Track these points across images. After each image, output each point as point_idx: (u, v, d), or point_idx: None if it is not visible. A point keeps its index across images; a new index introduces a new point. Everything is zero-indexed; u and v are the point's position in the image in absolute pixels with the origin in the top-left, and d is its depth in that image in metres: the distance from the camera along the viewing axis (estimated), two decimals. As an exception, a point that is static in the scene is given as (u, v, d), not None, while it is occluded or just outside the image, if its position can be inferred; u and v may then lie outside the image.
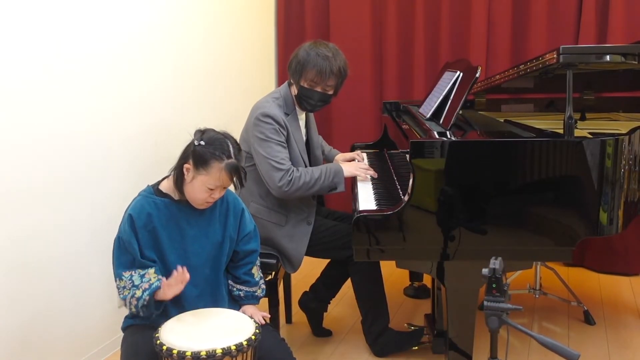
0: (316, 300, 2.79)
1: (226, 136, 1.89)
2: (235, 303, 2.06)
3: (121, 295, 1.86)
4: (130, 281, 1.84)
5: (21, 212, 2.16)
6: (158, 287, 1.82)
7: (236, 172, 1.86)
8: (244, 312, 1.96)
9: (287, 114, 2.51)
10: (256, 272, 2.08)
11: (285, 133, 2.47)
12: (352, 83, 4.06)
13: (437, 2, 3.85)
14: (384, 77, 4.04)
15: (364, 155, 2.82)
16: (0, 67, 2.04)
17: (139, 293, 1.81)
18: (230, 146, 1.86)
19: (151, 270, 1.85)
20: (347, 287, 2.74)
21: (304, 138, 2.65)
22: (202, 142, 1.84)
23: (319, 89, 2.47)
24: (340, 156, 2.88)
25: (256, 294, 2.07)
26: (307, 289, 2.82)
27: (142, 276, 1.84)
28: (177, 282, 1.79)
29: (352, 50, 4.03)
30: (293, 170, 2.42)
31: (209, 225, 1.96)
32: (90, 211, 2.49)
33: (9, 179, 2.10)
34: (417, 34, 3.91)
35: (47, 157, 2.26)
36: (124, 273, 1.85)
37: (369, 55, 4.04)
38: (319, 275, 2.81)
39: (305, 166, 2.56)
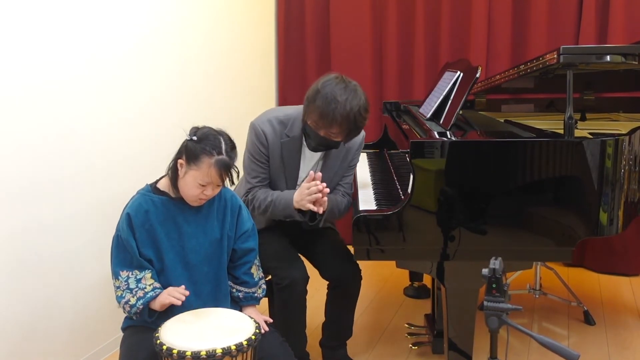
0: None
1: (220, 133, 1.88)
2: (237, 304, 2.06)
3: (117, 295, 1.87)
4: (125, 283, 1.84)
5: (22, 211, 2.16)
6: (153, 297, 1.83)
7: (226, 169, 1.83)
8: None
9: (288, 136, 2.28)
10: (255, 271, 2.08)
11: (265, 153, 2.27)
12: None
13: (437, 2, 3.85)
14: (384, 77, 4.04)
15: (318, 179, 2.10)
16: (4, 68, 2.04)
17: (132, 300, 1.82)
18: (223, 143, 1.84)
19: (148, 275, 1.86)
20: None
21: (312, 166, 2.35)
22: (195, 138, 1.84)
23: (321, 133, 2.14)
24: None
25: (255, 294, 2.07)
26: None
27: (139, 280, 1.84)
28: (176, 291, 1.82)
29: (352, 50, 4.05)
30: (257, 192, 2.29)
31: (206, 223, 1.96)
32: (90, 210, 2.49)
33: (10, 177, 2.10)
34: (417, 34, 3.91)
35: (48, 156, 2.26)
36: (121, 272, 1.85)
37: (369, 55, 4.04)
38: (316, 277, 2.58)
39: None
